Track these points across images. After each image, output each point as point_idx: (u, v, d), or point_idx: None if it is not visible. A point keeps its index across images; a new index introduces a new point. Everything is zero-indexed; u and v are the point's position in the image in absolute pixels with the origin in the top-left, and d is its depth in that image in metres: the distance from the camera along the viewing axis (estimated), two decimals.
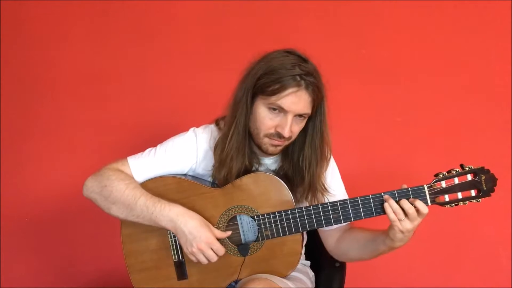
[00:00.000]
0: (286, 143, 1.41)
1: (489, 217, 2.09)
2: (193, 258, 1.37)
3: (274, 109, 1.35)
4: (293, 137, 1.41)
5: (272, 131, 1.37)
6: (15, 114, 2.26)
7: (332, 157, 1.53)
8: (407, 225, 1.30)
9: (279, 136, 1.36)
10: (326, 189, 1.46)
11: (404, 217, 1.29)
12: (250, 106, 1.38)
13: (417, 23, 2.16)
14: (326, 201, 1.43)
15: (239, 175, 1.42)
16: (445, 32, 2.14)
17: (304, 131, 1.43)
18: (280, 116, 1.35)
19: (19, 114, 2.26)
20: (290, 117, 1.34)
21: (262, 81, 1.34)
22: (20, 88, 2.27)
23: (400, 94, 2.17)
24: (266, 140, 1.39)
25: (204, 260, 1.36)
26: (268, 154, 1.43)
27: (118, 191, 1.38)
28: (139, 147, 1.53)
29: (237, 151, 1.41)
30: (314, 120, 1.42)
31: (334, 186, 1.50)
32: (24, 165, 2.26)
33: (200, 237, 1.33)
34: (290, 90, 1.31)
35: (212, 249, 1.35)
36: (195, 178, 1.50)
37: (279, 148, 1.41)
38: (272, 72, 1.33)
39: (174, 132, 1.53)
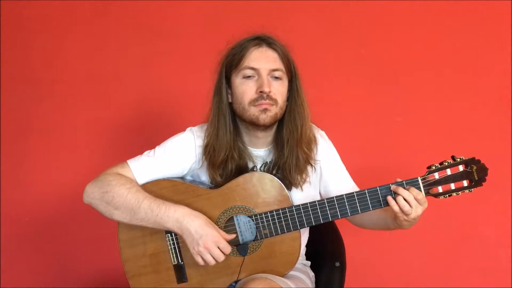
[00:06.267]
0: (275, 108, 1.40)
1: (489, 217, 2.10)
2: (199, 260, 1.34)
3: (249, 76, 1.40)
4: (278, 100, 1.40)
5: (255, 96, 1.39)
6: (15, 114, 2.26)
7: (327, 138, 1.56)
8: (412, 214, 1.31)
9: (263, 97, 1.38)
10: (310, 157, 1.46)
11: (408, 208, 1.30)
12: (228, 88, 1.44)
13: (417, 23, 2.16)
14: (314, 173, 1.49)
15: (235, 173, 1.42)
16: (445, 32, 2.14)
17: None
18: (256, 79, 1.40)
19: (19, 114, 2.26)
20: (264, 73, 1.39)
21: (230, 58, 1.43)
22: (20, 88, 2.27)
23: (400, 94, 2.17)
24: (252, 109, 1.39)
25: (211, 260, 1.33)
26: (262, 126, 1.41)
27: (120, 196, 1.37)
28: (139, 147, 1.53)
29: (225, 144, 1.42)
30: (292, 93, 1.45)
31: (331, 161, 1.53)
32: (24, 165, 2.26)
33: (206, 236, 1.32)
34: (252, 49, 1.41)
35: (218, 247, 1.34)
36: (192, 180, 1.50)
37: (270, 114, 1.39)
38: (236, 47, 1.43)
39: (174, 131, 1.52)
